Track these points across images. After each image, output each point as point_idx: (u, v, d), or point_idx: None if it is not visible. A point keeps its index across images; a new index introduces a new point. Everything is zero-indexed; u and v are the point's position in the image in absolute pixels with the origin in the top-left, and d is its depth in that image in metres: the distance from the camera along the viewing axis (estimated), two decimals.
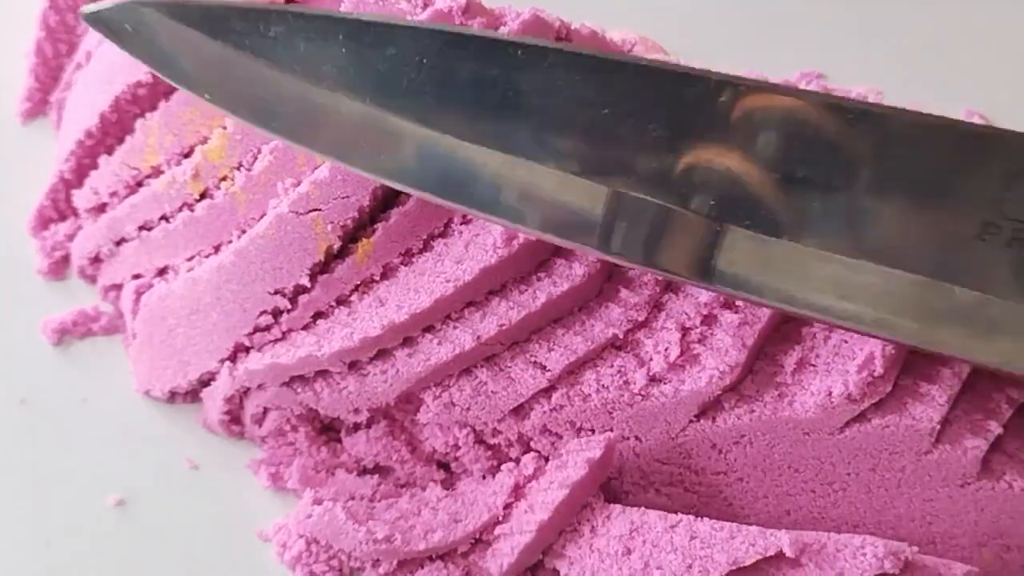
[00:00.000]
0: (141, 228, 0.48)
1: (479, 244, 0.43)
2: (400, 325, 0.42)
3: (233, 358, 0.46)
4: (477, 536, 0.43)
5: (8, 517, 0.45)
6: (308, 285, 0.44)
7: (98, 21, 0.40)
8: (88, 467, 0.47)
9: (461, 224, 0.44)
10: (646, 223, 0.37)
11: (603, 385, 0.42)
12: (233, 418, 0.47)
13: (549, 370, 0.42)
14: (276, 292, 0.44)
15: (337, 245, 0.43)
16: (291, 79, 0.38)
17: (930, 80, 0.59)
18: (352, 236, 0.44)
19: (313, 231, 0.43)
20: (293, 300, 0.44)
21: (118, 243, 0.49)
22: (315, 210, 0.43)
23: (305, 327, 0.45)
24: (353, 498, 0.44)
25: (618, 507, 0.42)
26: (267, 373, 0.44)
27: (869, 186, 0.35)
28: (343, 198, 0.43)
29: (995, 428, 0.40)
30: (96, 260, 0.51)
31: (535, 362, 0.43)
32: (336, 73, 0.38)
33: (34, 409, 0.48)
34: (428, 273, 0.43)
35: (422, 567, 0.43)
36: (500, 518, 0.42)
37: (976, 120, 0.52)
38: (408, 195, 0.43)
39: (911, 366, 0.41)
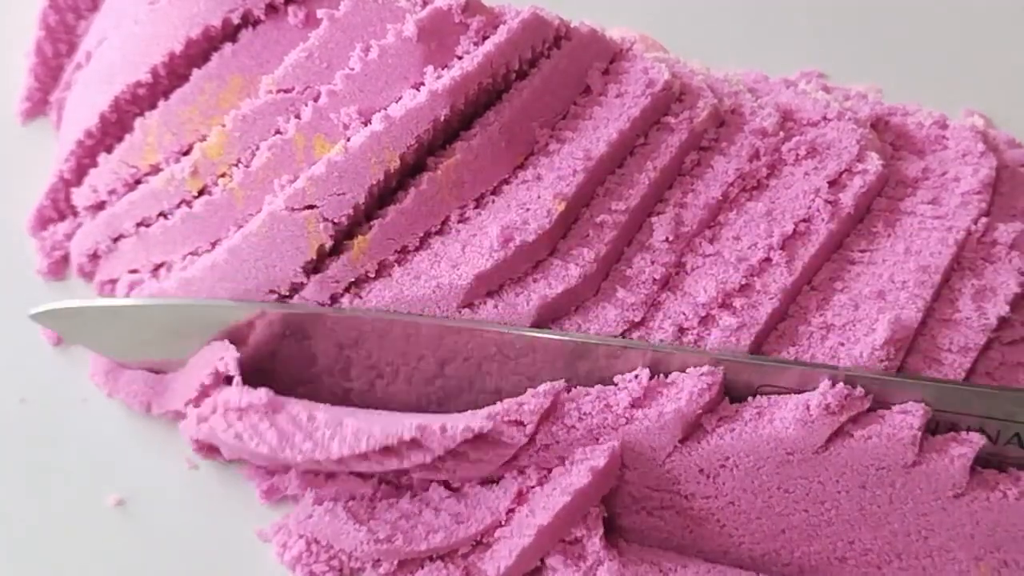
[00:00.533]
0: (139, 225, 0.48)
1: (476, 246, 0.43)
2: (356, 456, 0.42)
3: (201, 396, 0.45)
4: (478, 538, 0.43)
5: (8, 517, 0.45)
6: (304, 282, 0.44)
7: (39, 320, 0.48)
8: (88, 467, 0.46)
9: (459, 222, 0.44)
10: None
11: (585, 412, 0.42)
12: (209, 450, 0.46)
13: (526, 424, 0.42)
14: (271, 292, 0.44)
15: (329, 244, 0.43)
16: None
17: (930, 80, 0.59)
18: (348, 233, 0.44)
19: (305, 229, 0.43)
20: (288, 299, 0.45)
21: (116, 240, 0.49)
22: (310, 207, 0.43)
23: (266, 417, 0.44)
24: (354, 498, 0.44)
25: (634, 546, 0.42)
26: (229, 440, 0.44)
27: None
28: (339, 195, 0.43)
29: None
30: (94, 257, 0.51)
31: (512, 420, 0.42)
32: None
33: (34, 409, 0.48)
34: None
35: (422, 567, 0.43)
36: (502, 521, 0.42)
37: (976, 120, 0.52)
38: (406, 193, 0.43)
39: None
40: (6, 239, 0.53)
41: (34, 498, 0.46)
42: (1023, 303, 0.43)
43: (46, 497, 0.46)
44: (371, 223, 0.43)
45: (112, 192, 0.50)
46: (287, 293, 0.44)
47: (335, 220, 0.43)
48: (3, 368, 0.49)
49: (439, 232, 0.44)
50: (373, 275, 0.44)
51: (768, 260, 0.43)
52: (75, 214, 0.52)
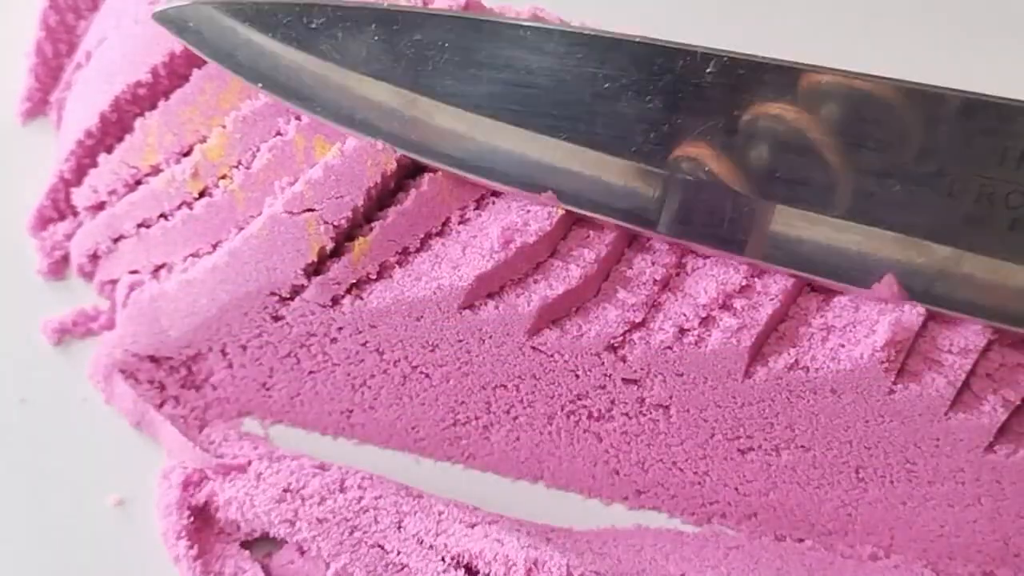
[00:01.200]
0: (140, 226, 0.48)
1: (476, 247, 0.43)
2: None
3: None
4: None
5: (8, 517, 0.45)
6: (305, 284, 0.44)
7: (165, 20, 0.44)
8: (88, 467, 0.47)
9: (459, 224, 0.44)
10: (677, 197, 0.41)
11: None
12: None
13: None
14: (272, 294, 0.44)
15: (330, 246, 0.43)
16: (331, 67, 0.43)
17: (930, 79, 0.59)
18: (348, 234, 0.44)
19: (306, 231, 0.43)
20: (289, 301, 0.45)
21: (116, 240, 0.49)
22: (309, 210, 0.43)
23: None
24: None
25: None
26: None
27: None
28: (337, 198, 0.43)
29: (1014, 397, 0.40)
30: (94, 257, 0.51)
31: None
32: (369, 58, 0.42)
33: (34, 409, 0.48)
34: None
35: None
36: None
37: None
38: (406, 195, 0.44)
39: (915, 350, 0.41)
40: (6, 239, 0.53)
41: (34, 498, 0.46)
42: None
43: (46, 497, 0.46)
44: (372, 224, 0.44)
45: (112, 192, 0.50)
46: (288, 295, 0.44)
47: (335, 223, 0.43)
48: (3, 368, 0.49)
49: (439, 233, 0.44)
50: (374, 276, 0.44)
51: None
52: (75, 214, 0.52)
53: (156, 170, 0.48)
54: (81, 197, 0.51)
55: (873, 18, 0.62)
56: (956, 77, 0.57)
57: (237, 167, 0.46)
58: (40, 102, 0.57)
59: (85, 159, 0.51)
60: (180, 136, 0.47)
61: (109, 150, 0.50)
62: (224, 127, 0.46)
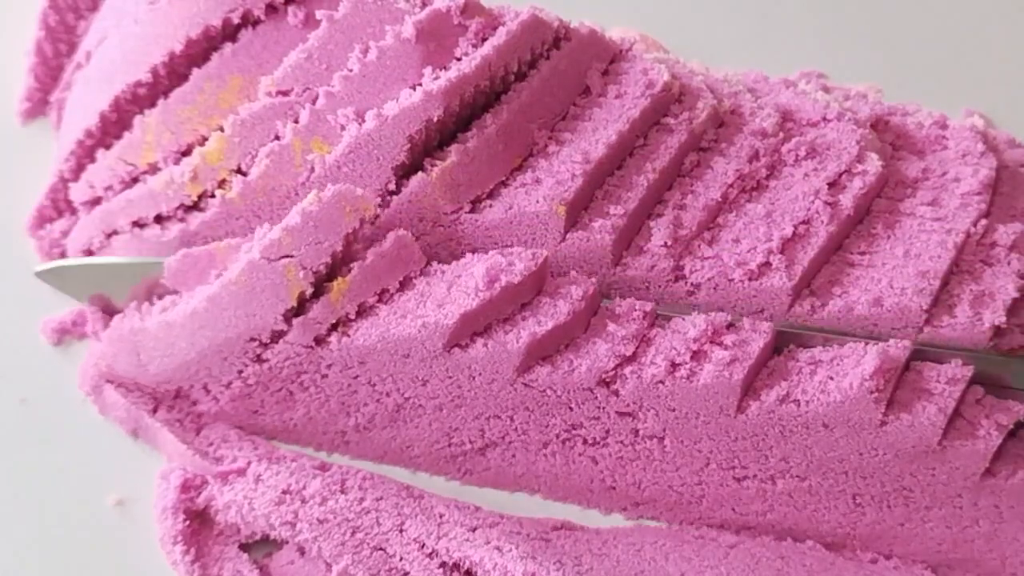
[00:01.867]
0: (135, 224, 0.48)
1: (461, 286, 0.42)
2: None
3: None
4: None
5: (8, 517, 0.45)
6: (285, 329, 0.43)
7: (46, 277, 0.50)
8: (88, 467, 0.47)
9: (441, 263, 0.44)
10: None
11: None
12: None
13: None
14: (251, 340, 0.44)
15: (309, 291, 0.43)
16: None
17: (930, 79, 0.59)
18: (328, 275, 0.43)
19: (285, 277, 0.42)
20: (270, 345, 0.44)
21: (109, 236, 0.49)
22: (288, 256, 0.42)
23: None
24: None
25: None
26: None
27: None
28: (316, 244, 0.42)
29: (1006, 420, 0.40)
30: (89, 253, 0.50)
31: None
32: None
33: (34, 409, 0.48)
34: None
35: None
36: None
37: (976, 120, 0.52)
38: (384, 235, 0.43)
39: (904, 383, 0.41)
40: (6, 239, 0.53)
41: (34, 498, 0.46)
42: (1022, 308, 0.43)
43: (46, 497, 0.46)
44: (350, 265, 0.43)
45: (108, 188, 0.49)
46: (268, 340, 0.44)
47: (314, 268, 0.42)
48: (3, 368, 0.49)
49: (423, 272, 0.43)
50: (354, 316, 0.43)
51: (767, 264, 0.43)
52: (74, 213, 0.52)
53: (154, 168, 0.48)
54: (78, 192, 0.51)
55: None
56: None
57: (237, 172, 0.45)
58: (40, 102, 0.57)
59: (85, 159, 0.51)
60: (178, 135, 0.47)
61: (109, 150, 0.50)
62: (223, 130, 0.46)
